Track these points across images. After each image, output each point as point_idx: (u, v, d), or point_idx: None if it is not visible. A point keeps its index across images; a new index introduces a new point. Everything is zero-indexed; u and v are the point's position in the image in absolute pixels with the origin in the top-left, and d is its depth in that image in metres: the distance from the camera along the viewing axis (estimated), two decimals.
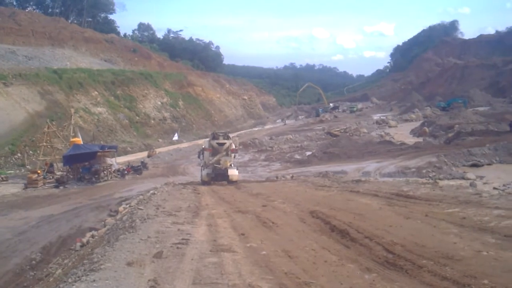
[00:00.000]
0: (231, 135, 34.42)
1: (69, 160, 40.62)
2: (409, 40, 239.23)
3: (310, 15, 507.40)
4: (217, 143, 30.96)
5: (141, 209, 19.62)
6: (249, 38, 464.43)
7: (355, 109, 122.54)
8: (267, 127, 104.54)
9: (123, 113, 74.26)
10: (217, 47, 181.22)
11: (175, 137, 78.49)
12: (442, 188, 24.43)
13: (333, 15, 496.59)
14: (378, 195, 21.91)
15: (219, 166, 30.57)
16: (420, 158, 45.31)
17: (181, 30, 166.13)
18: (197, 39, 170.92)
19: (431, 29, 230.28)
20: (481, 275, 9.55)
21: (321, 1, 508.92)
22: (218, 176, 30.80)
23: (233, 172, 30.91)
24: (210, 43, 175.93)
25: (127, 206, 24.30)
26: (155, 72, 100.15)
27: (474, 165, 43.61)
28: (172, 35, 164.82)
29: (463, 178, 38.48)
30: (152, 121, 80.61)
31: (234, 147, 32.33)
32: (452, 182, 34.22)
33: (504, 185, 34.44)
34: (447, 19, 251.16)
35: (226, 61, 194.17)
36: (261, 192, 25.94)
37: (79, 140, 43.97)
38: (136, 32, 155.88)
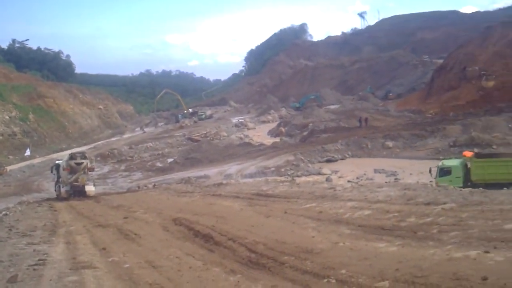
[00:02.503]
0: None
1: None
2: (261, 44, 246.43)
3: (162, 21, 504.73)
4: (75, 163, 32.35)
5: None
6: (102, 45, 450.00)
7: (203, 116, 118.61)
8: (125, 136, 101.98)
9: None
10: (68, 56, 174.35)
11: (27, 153, 73.79)
12: (300, 184, 25.41)
13: (185, 20, 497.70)
14: (239, 196, 22.30)
15: (77, 183, 32.02)
16: (278, 157, 46.90)
17: (27, 40, 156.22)
18: (46, 48, 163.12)
19: (282, 32, 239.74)
20: (339, 266, 9.97)
21: (172, 6, 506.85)
22: (76, 192, 32.13)
23: (90, 188, 32.54)
24: (60, 52, 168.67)
25: None
26: (1, 85, 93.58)
27: (329, 161, 46.08)
28: (17, 45, 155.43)
29: (319, 173, 40.56)
30: (0, 137, 75.20)
31: (90, 165, 33.98)
32: (309, 178, 35.89)
33: (357, 178, 36.80)
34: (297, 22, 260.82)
35: (78, 70, 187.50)
36: (122, 203, 25.32)
37: None
38: None
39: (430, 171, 29.79)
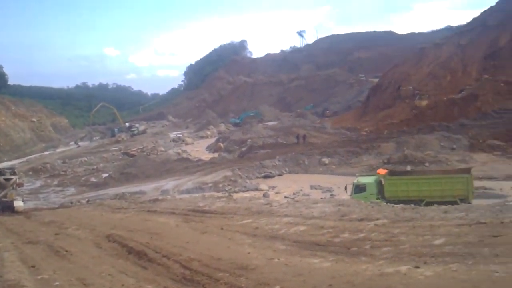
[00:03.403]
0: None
1: None
2: (201, 59, 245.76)
3: (100, 32, 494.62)
4: (4, 178, 32.26)
5: None
6: (38, 56, 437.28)
7: (136, 132, 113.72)
8: (59, 150, 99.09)
9: None
10: (0, 66, 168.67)
11: None
12: (236, 200, 25.33)
13: (123, 33, 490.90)
14: (175, 212, 22.04)
15: (5, 199, 32.02)
16: (216, 173, 46.79)
17: None
18: None
19: (222, 48, 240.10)
20: (274, 282, 10.00)
21: (111, 19, 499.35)
22: (4, 208, 31.84)
23: (19, 204, 32.26)
24: None
25: None
26: None
27: (267, 177, 46.34)
28: None
29: (257, 189, 40.71)
30: None
31: (19, 181, 34.42)
32: (246, 194, 35.92)
33: (293, 194, 37.14)
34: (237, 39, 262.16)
35: (12, 81, 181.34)
36: (54, 219, 24.58)
37: None
38: None
39: (345, 188, 30.76)
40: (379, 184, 29.64)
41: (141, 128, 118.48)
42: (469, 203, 25.63)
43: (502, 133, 50.63)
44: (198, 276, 11.19)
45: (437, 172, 33.39)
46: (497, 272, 8.70)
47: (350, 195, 29.11)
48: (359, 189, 29.18)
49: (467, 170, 29.94)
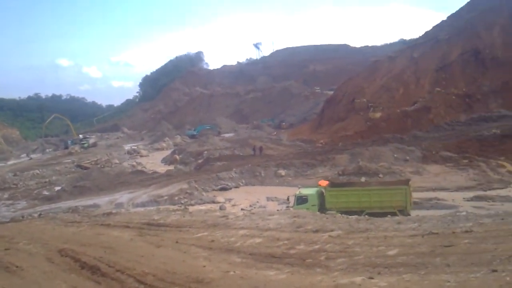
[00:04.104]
0: None
1: None
2: (157, 70, 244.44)
3: (53, 43, 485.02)
4: None
5: None
6: None
7: (86, 145, 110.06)
8: (10, 162, 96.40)
9: None
10: None
11: None
12: (192, 213, 25.18)
13: (77, 43, 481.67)
14: (129, 226, 21.70)
15: None
16: (172, 185, 46.39)
17: None
18: None
19: (178, 59, 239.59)
20: None
21: (63, 28, 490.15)
22: None
23: None
24: None
25: None
26: None
27: (223, 189, 46.23)
28: None
29: (213, 202, 40.54)
30: None
31: None
32: (202, 207, 35.73)
33: (250, 206, 37.12)
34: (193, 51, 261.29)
35: None
36: (3, 234, 23.77)
37: None
38: None
39: (288, 199, 31.69)
40: (320, 195, 30.26)
41: (91, 141, 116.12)
42: (408, 214, 26.63)
43: (454, 144, 51.95)
44: None
45: (376, 184, 34.43)
46: (449, 281, 8.89)
47: (292, 207, 29.76)
48: (301, 200, 29.76)
49: (406, 182, 30.79)
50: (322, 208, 28.83)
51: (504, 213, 15.35)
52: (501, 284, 8.33)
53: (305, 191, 31.03)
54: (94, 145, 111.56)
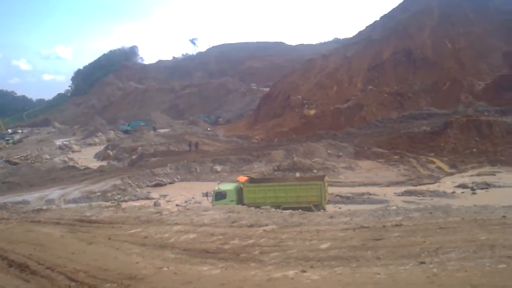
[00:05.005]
0: None
1: None
2: (90, 64, 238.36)
3: None
4: None
5: None
6: None
7: (11, 141, 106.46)
8: None
9: None
10: None
11: None
12: (125, 209, 24.75)
13: (4, 35, 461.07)
14: (60, 222, 21.11)
15: None
16: (105, 181, 45.56)
17: None
18: None
19: (112, 53, 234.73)
20: None
21: None
22: None
23: None
24: None
25: None
26: None
27: (158, 185, 45.84)
28: None
29: (147, 198, 40.13)
30: None
31: None
32: (136, 203, 35.28)
33: (185, 202, 36.96)
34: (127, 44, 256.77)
35: None
36: None
37: None
38: None
39: (206, 195, 32.21)
40: (239, 191, 30.74)
41: (17, 137, 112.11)
42: (323, 208, 27.45)
43: (386, 141, 53.53)
44: (85, 287, 10.84)
45: (293, 179, 35.42)
46: (379, 274, 9.13)
47: (211, 202, 30.10)
48: (220, 196, 30.29)
49: (321, 178, 31.63)
50: (241, 204, 28.94)
51: (433, 208, 15.81)
52: (428, 275, 8.63)
53: (224, 187, 31.56)
54: (20, 141, 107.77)
